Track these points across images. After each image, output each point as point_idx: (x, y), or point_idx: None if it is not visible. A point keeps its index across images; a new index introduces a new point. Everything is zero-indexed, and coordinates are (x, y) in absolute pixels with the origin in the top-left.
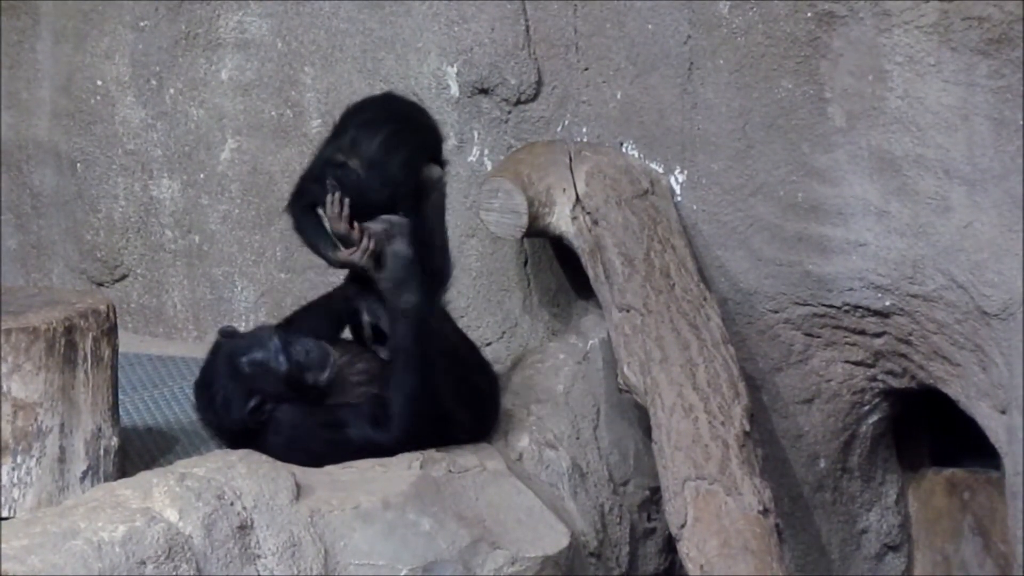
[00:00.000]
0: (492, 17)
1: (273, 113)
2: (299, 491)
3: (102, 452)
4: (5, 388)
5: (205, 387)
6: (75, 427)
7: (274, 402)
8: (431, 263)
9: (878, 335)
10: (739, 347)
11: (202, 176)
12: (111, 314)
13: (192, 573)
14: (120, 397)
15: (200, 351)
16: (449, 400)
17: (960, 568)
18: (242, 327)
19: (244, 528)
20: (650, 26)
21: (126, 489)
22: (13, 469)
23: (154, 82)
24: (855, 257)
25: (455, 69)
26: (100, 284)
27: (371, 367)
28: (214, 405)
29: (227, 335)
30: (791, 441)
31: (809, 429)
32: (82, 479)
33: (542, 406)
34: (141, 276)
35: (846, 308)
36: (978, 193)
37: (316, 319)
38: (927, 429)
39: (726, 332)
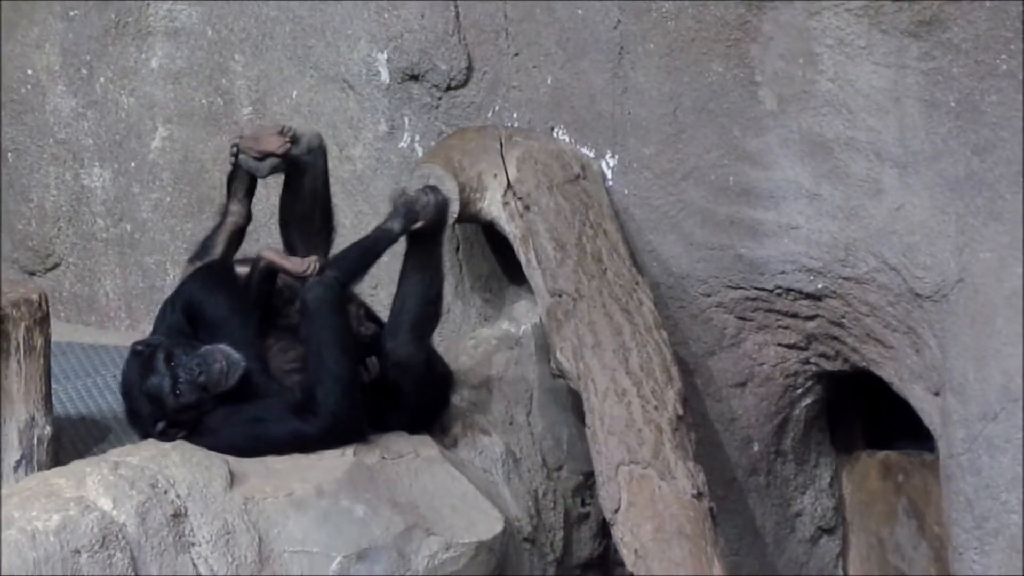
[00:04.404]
0: (422, 3)
1: (204, 101)
2: (233, 479)
3: (35, 441)
4: None
5: (124, 402)
6: (8, 417)
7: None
8: None
9: (811, 318)
10: (672, 331)
11: (133, 165)
12: (43, 303)
13: (126, 561)
14: (53, 386)
15: (133, 339)
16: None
17: (894, 551)
18: None
19: (178, 516)
20: (580, 11)
21: (60, 478)
22: None
23: (84, 71)
24: (787, 240)
25: (385, 55)
26: (32, 273)
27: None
28: (135, 423)
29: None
30: (724, 425)
31: (742, 413)
32: (16, 468)
33: (475, 392)
34: (73, 265)
35: (778, 291)
36: (910, 175)
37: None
38: (861, 412)
39: (659, 316)
